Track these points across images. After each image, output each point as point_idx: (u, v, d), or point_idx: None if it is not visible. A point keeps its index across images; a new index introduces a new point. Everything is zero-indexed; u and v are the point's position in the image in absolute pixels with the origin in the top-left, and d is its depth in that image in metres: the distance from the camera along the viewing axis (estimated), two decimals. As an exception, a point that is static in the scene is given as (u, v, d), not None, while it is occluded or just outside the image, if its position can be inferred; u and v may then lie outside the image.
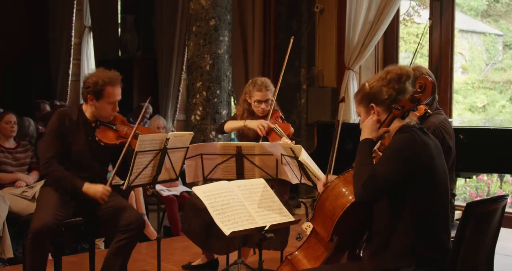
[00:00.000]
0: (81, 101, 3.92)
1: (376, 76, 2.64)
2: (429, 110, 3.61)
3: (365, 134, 2.58)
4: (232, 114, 4.83)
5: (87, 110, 3.77)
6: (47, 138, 3.74)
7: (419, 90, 2.53)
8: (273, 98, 4.38)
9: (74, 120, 3.75)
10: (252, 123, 4.28)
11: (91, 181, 3.74)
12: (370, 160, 2.51)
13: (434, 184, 2.49)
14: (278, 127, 4.29)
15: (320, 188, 2.76)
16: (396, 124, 2.57)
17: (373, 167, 2.46)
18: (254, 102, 4.36)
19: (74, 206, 3.73)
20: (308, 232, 2.84)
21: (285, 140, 4.14)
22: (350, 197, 2.56)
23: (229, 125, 4.47)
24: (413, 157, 2.44)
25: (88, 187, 3.65)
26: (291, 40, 4.53)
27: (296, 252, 2.81)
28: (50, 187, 3.75)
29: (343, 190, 2.61)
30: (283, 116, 4.46)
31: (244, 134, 4.46)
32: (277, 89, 4.41)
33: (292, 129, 4.37)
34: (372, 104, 2.59)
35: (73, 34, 10.19)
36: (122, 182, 4.99)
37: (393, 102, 2.55)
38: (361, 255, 2.78)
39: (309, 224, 2.85)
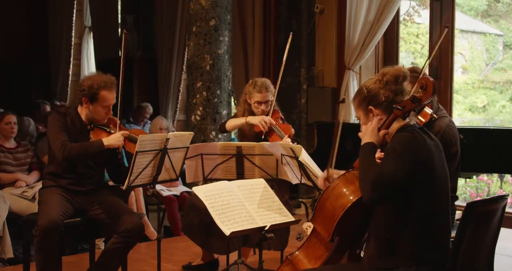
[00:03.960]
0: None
1: (372, 79, 2.64)
2: (435, 115, 3.61)
3: (366, 139, 2.59)
4: (232, 114, 4.84)
5: (82, 112, 3.83)
6: (54, 129, 3.73)
7: (420, 90, 2.53)
8: (273, 99, 4.38)
9: (72, 121, 3.79)
10: (254, 119, 4.30)
11: (89, 181, 3.82)
12: (374, 162, 2.52)
13: (434, 184, 2.49)
14: (279, 128, 4.29)
15: (321, 182, 2.77)
16: (396, 125, 2.57)
17: (378, 167, 2.47)
18: (254, 103, 4.36)
19: (75, 205, 3.74)
20: (309, 232, 2.84)
21: (286, 140, 4.14)
22: (351, 197, 2.56)
23: (231, 123, 4.48)
24: (416, 156, 2.44)
25: (108, 139, 3.69)
26: (290, 36, 4.51)
27: (297, 252, 2.81)
28: (49, 187, 3.77)
29: (344, 190, 2.61)
30: (283, 117, 4.46)
31: (244, 134, 4.46)
32: (277, 88, 4.41)
33: (293, 131, 4.37)
34: (371, 107, 2.60)
35: (73, 34, 10.19)
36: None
37: (391, 103, 2.55)
38: (361, 255, 2.78)
39: (310, 224, 2.85)
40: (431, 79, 2.53)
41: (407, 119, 2.57)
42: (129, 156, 4.75)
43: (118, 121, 3.83)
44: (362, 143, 2.61)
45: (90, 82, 3.73)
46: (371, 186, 2.44)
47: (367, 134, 2.60)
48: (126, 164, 5.44)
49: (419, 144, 2.47)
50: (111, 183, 5.50)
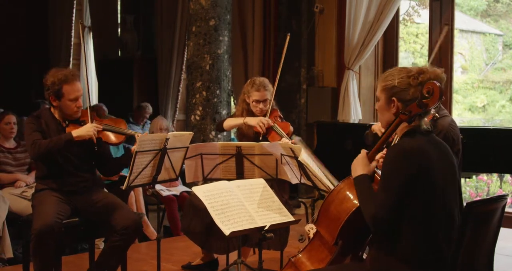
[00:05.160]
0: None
1: (406, 70, 2.56)
2: (437, 114, 3.61)
3: (357, 172, 2.58)
4: (232, 114, 4.84)
5: (55, 112, 3.84)
6: (27, 132, 3.75)
7: (426, 95, 2.50)
8: (271, 98, 4.38)
9: (47, 123, 3.80)
10: (252, 121, 4.30)
11: (79, 180, 3.80)
12: (370, 193, 2.50)
13: (434, 189, 2.45)
14: (278, 127, 4.29)
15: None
16: (403, 126, 2.55)
17: (374, 200, 2.46)
18: (252, 102, 4.37)
19: (71, 205, 3.74)
20: (311, 234, 2.83)
21: (285, 140, 4.14)
22: (356, 201, 2.55)
23: (228, 122, 4.48)
24: (408, 174, 2.41)
25: (77, 131, 3.68)
26: (287, 37, 4.51)
27: (300, 255, 2.80)
28: (42, 191, 3.76)
29: (348, 194, 2.60)
30: (281, 116, 4.46)
31: (244, 133, 4.46)
32: (275, 87, 4.41)
33: (291, 128, 4.37)
34: (394, 98, 2.54)
35: (73, 34, 10.18)
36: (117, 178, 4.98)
37: (413, 103, 2.50)
38: (364, 257, 2.77)
39: (312, 226, 2.85)
40: (438, 84, 2.51)
41: (423, 124, 2.54)
42: (111, 147, 4.74)
43: (89, 112, 3.81)
44: (354, 175, 2.59)
45: (51, 79, 3.74)
46: (371, 223, 2.44)
47: (359, 166, 2.59)
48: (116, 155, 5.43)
49: (412, 156, 2.42)
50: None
